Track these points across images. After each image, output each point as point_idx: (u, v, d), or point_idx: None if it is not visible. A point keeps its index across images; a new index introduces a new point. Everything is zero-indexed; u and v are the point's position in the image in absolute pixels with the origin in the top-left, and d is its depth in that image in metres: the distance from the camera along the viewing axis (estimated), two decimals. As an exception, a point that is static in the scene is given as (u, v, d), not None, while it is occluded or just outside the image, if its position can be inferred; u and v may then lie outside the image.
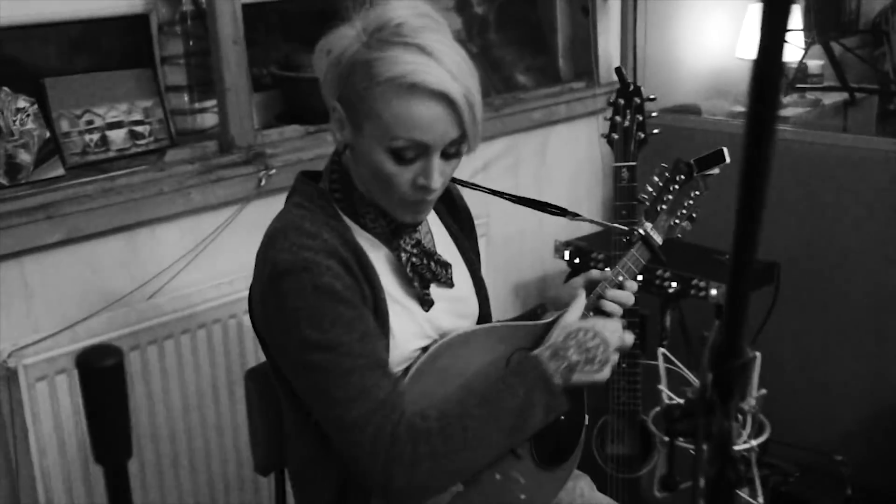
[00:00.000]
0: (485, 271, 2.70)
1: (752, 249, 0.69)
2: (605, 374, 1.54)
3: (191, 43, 2.34)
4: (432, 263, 1.59)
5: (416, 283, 1.55)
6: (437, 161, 1.42)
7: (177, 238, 2.19)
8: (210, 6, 2.23)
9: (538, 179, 3.00)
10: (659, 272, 2.55)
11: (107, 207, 2.05)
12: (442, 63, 1.38)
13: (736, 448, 1.11)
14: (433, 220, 1.69)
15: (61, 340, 1.98)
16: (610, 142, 2.13)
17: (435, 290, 1.60)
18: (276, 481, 1.76)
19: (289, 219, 1.48)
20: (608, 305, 1.63)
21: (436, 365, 1.53)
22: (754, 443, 1.12)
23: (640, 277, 1.77)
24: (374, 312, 1.48)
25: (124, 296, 2.10)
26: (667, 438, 0.82)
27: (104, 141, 2.22)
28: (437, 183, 1.43)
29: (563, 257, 2.80)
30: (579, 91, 3.02)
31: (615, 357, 1.56)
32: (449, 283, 1.62)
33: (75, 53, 2.32)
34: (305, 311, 1.40)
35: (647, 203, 1.79)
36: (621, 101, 2.14)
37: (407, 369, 1.52)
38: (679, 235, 1.81)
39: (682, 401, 0.88)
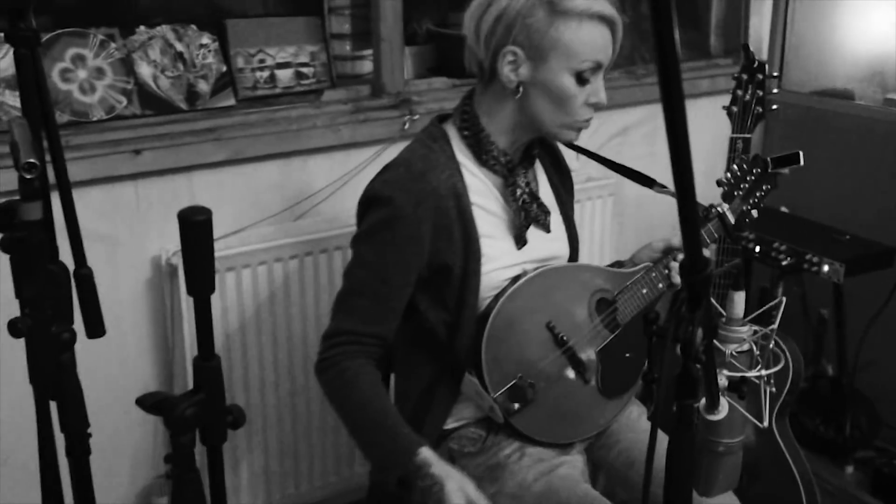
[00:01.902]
0: (609, 228, 2.87)
1: (689, 175, 0.85)
2: None
3: (355, -4, 2.61)
4: (535, 205, 1.79)
5: (522, 216, 1.75)
6: (601, 80, 1.70)
7: (326, 169, 2.46)
8: (371, -36, 2.48)
9: (676, 149, 3.11)
10: (775, 245, 2.64)
11: (267, 135, 2.33)
12: None
13: (748, 375, 1.26)
14: (539, 170, 1.89)
15: (217, 246, 2.29)
16: (729, 114, 2.25)
17: (532, 233, 1.80)
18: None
19: (408, 155, 1.74)
20: (677, 268, 1.80)
21: (530, 288, 1.73)
22: (765, 372, 1.26)
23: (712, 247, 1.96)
24: (465, 251, 1.70)
25: (275, 214, 2.39)
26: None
27: (272, 78, 2.51)
28: (606, 99, 1.71)
29: (688, 224, 2.92)
30: (725, 67, 3.11)
31: None
32: (545, 228, 1.82)
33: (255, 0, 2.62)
34: (369, 231, 1.69)
35: (727, 187, 1.96)
36: (744, 77, 2.26)
37: (499, 294, 1.72)
38: (747, 221, 1.97)
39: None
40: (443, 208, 1.67)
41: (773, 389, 1.32)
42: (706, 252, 1.88)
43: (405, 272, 1.69)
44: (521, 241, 1.77)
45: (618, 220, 2.96)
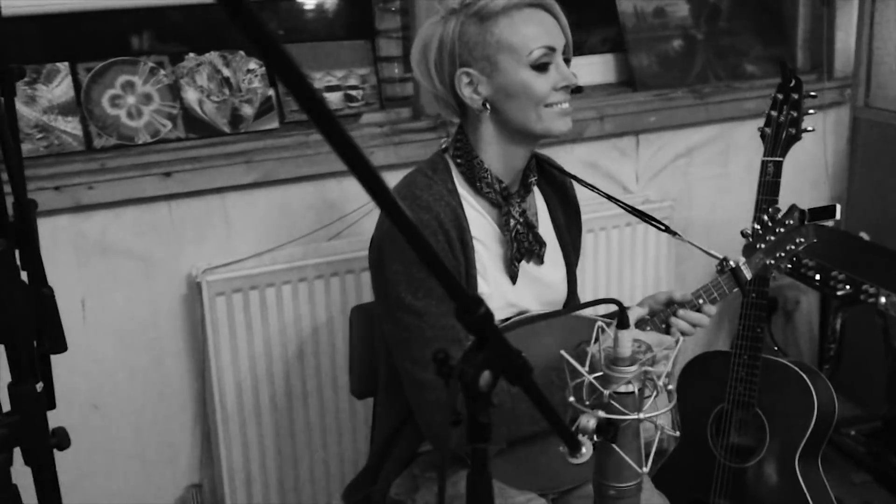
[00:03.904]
0: (665, 254, 2.77)
1: (402, 215, 0.83)
2: None
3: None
4: (530, 235, 1.76)
5: (514, 247, 1.72)
6: (563, 63, 1.67)
7: (360, 190, 2.49)
8: (412, -13, 2.52)
9: (751, 169, 2.96)
10: (834, 273, 2.49)
11: (297, 158, 2.40)
12: None
13: (622, 418, 1.20)
14: (540, 206, 1.85)
15: (247, 265, 2.38)
16: (763, 136, 2.15)
17: (526, 268, 1.76)
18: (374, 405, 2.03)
19: (411, 187, 1.70)
20: (678, 324, 1.72)
21: (510, 337, 1.70)
22: (642, 415, 1.19)
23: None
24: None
25: (307, 234, 2.46)
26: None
27: (320, 102, 2.57)
28: (574, 76, 1.68)
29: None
30: (806, 84, 2.94)
31: None
32: (539, 260, 1.78)
33: (306, 24, 2.70)
34: (405, 276, 1.62)
35: (750, 238, 1.84)
36: (779, 96, 2.16)
37: None
38: (772, 275, 1.84)
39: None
40: (450, 239, 1.65)
41: (674, 432, 1.25)
42: (711, 310, 1.75)
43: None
44: (513, 275, 1.74)
45: (677, 247, 2.86)
